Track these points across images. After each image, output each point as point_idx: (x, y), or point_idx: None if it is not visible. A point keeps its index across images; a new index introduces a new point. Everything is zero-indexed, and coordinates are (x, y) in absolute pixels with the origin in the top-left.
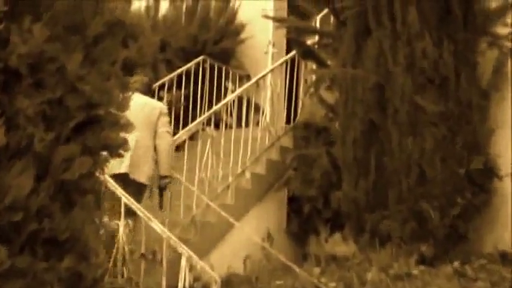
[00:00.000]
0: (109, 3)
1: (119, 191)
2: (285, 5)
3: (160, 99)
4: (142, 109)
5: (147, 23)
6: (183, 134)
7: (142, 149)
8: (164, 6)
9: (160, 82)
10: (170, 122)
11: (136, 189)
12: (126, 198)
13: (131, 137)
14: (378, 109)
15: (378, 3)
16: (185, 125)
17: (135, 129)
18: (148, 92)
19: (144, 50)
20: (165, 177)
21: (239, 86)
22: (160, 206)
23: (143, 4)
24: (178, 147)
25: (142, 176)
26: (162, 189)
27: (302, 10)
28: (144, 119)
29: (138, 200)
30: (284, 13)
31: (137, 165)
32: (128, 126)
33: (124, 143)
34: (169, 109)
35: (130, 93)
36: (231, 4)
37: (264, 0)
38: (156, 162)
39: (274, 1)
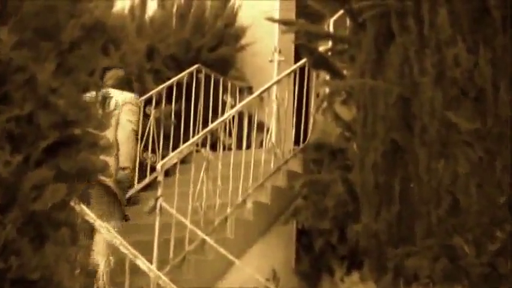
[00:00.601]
0: (87, 4)
1: (98, 222)
2: (293, 5)
3: (146, 115)
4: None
5: (132, 26)
6: (173, 156)
7: None
8: (152, 7)
9: (147, 96)
10: (138, 112)
11: (98, 192)
12: (106, 230)
13: None
14: (402, 127)
15: (403, 3)
16: (176, 145)
17: None
18: (126, 85)
19: (128, 58)
20: (124, 168)
21: (239, 100)
22: (119, 204)
23: (127, 4)
24: (168, 172)
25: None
26: (121, 184)
27: (313, 11)
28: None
29: (101, 203)
30: (292, 15)
31: None
32: (109, 148)
33: (105, 168)
34: (158, 127)
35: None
36: (230, 4)
37: (269, 0)
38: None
39: (281, 1)
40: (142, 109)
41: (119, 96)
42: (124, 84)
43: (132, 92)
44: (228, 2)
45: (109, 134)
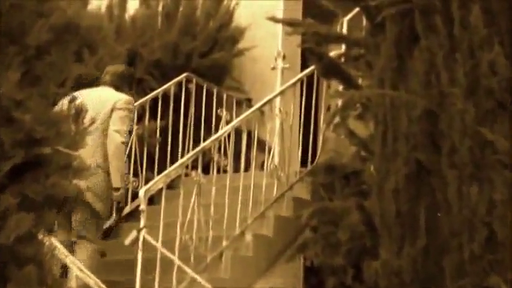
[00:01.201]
0: (57, 1)
1: (70, 259)
2: (299, 3)
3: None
4: (90, 102)
5: (110, 27)
6: (159, 180)
7: (82, 155)
8: (133, 5)
9: None
10: (130, 118)
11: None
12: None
13: None
14: (428, 146)
15: None
16: (162, 168)
17: None
18: (124, 83)
19: (106, 65)
20: (117, 189)
21: (236, 115)
22: (110, 230)
23: (104, 1)
24: (152, 199)
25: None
26: (116, 207)
27: (323, 10)
28: (88, 117)
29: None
30: (298, 14)
31: None
32: (82, 171)
33: (79, 195)
34: (141, 146)
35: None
36: (225, 2)
37: None
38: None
39: None
40: (135, 113)
41: (107, 98)
42: (123, 82)
43: (131, 92)
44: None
45: (91, 142)
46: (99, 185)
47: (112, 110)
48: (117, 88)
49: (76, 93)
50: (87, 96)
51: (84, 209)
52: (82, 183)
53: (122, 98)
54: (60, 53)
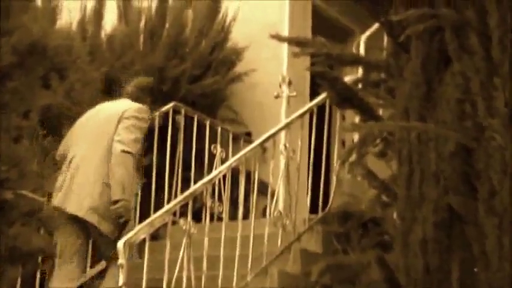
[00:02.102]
0: (20, 18)
1: None
2: (308, 18)
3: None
4: (97, 116)
5: (83, 48)
6: (141, 229)
7: (85, 173)
8: (110, 21)
9: None
10: (137, 127)
11: (80, 229)
12: None
13: (74, 156)
14: (462, 188)
15: (462, 14)
16: (145, 215)
17: (78, 146)
18: (146, 97)
19: (78, 92)
20: (115, 202)
21: (233, 152)
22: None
23: (76, 19)
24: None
25: (79, 207)
26: (117, 221)
27: (336, 27)
28: (94, 130)
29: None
30: (307, 32)
31: (74, 193)
32: (52, 219)
33: (50, 249)
34: None
35: None
36: (219, 18)
37: (274, 9)
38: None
39: (291, 13)
40: (146, 122)
41: (116, 110)
42: (145, 95)
43: (152, 106)
44: (217, 15)
45: (90, 156)
46: (104, 205)
47: (119, 122)
48: (137, 100)
49: (98, 107)
50: (101, 110)
51: (95, 233)
52: (89, 203)
53: (131, 106)
54: (25, 79)
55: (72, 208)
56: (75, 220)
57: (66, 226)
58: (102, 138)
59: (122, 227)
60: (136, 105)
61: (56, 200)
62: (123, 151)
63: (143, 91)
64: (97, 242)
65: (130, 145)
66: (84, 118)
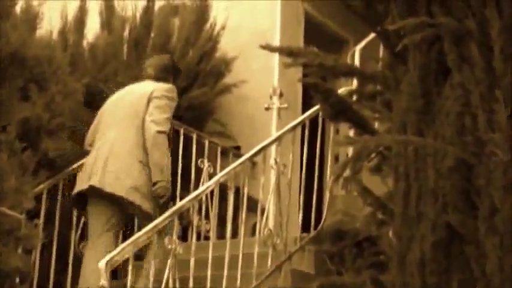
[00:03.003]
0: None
1: None
2: (300, 27)
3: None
4: (125, 98)
5: (64, 57)
6: (124, 249)
7: (120, 153)
8: (92, 29)
9: (83, 161)
10: (170, 107)
11: (121, 208)
12: None
13: (105, 140)
14: (462, 206)
15: (462, 22)
16: (128, 234)
17: (109, 129)
18: (169, 76)
19: (59, 104)
20: (155, 183)
21: (221, 167)
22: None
23: (56, 27)
24: (116, 272)
25: (119, 187)
26: (157, 202)
27: (330, 36)
28: (126, 112)
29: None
30: (299, 41)
31: (113, 175)
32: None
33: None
34: None
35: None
36: (207, 26)
37: (265, 17)
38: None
39: (283, 22)
40: (175, 101)
41: (145, 90)
42: (168, 75)
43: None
44: (204, 23)
45: (124, 137)
46: (145, 184)
47: (148, 102)
48: (159, 81)
49: (119, 92)
50: (127, 92)
51: (135, 208)
52: (129, 183)
53: (159, 87)
54: (3, 90)
55: (111, 188)
56: (110, 200)
57: (99, 206)
58: (133, 119)
59: (163, 207)
60: (164, 85)
61: (92, 181)
62: (159, 131)
63: (163, 71)
64: (138, 222)
65: (164, 124)
66: (109, 104)
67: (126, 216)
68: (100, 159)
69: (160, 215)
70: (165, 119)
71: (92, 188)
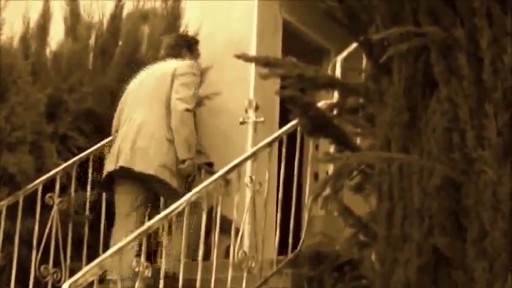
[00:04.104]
0: None
1: None
2: (278, 36)
3: (45, 207)
4: (148, 78)
5: (26, 66)
6: (89, 271)
7: (148, 132)
8: (56, 36)
9: (47, 176)
10: (194, 83)
11: (148, 186)
12: None
13: (131, 122)
14: (449, 228)
15: (450, 31)
16: (93, 255)
17: (136, 109)
18: (183, 50)
19: (19, 116)
20: (183, 161)
21: (193, 184)
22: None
23: (18, 32)
24: None
25: (148, 165)
26: (185, 180)
27: (310, 46)
28: (151, 92)
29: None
30: (277, 51)
31: (142, 154)
32: None
33: None
34: (65, 225)
35: None
36: (179, 32)
37: (240, 25)
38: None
39: (259, 30)
40: (199, 76)
41: (168, 67)
42: (181, 50)
43: (194, 56)
44: (176, 31)
45: (151, 117)
46: (173, 161)
47: (173, 79)
48: (177, 58)
49: (139, 75)
50: (148, 74)
51: (163, 186)
52: (158, 161)
53: (182, 64)
54: None
55: (140, 167)
56: (138, 180)
57: (126, 186)
58: (158, 97)
59: (189, 185)
60: (187, 62)
61: (121, 161)
62: (186, 109)
63: (174, 47)
64: (166, 199)
65: (191, 102)
66: (133, 86)
67: (151, 195)
68: (128, 140)
69: (188, 190)
70: (191, 96)
71: (121, 169)
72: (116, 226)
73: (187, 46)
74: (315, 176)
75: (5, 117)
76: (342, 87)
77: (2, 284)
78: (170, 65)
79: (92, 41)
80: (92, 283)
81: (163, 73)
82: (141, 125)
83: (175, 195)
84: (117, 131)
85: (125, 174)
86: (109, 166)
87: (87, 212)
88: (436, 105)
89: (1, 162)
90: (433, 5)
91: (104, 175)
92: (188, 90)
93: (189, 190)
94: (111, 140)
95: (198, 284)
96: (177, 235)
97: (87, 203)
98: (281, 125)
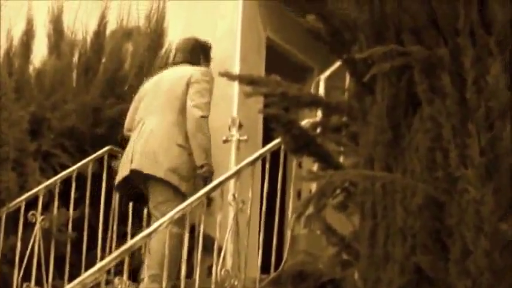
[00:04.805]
0: None
1: None
2: (261, 54)
3: (28, 224)
4: (163, 83)
5: (9, 83)
6: None
7: (158, 138)
8: (40, 53)
9: (29, 194)
10: (209, 90)
11: (156, 188)
12: None
13: (144, 126)
14: (432, 247)
15: (433, 52)
16: (76, 273)
17: (148, 113)
18: (199, 57)
19: (3, 133)
20: (202, 166)
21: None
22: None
23: (1, 50)
24: None
25: (157, 169)
26: (199, 184)
27: (293, 64)
28: (165, 96)
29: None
30: (260, 69)
31: (151, 157)
32: None
33: None
34: (47, 243)
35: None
36: (163, 51)
37: (224, 43)
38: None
39: (242, 47)
40: (213, 84)
41: (182, 74)
42: (197, 56)
43: (207, 64)
44: (159, 49)
45: (163, 122)
46: (183, 166)
47: (188, 85)
48: (193, 63)
49: (155, 77)
50: (164, 77)
51: (167, 189)
52: (167, 165)
53: (196, 71)
54: None
55: (150, 170)
56: (149, 183)
57: (147, 188)
58: (172, 103)
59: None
60: (201, 69)
61: (134, 164)
62: (202, 116)
63: (192, 52)
64: (167, 202)
65: (206, 109)
66: (147, 90)
67: None
68: (139, 144)
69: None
70: (206, 103)
71: (135, 172)
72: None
73: (203, 52)
74: (298, 195)
75: None
76: (325, 106)
77: None
78: (185, 71)
79: (75, 58)
80: None
81: (177, 79)
82: (153, 130)
83: (176, 199)
84: (129, 130)
85: (140, 177)
86: (123, 171)
87: (69, 230)
88: (419, 124)
89: None
90: (416, 24)
91: (119, 178)
92: (202, 98)
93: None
94: (98, 154)
95: None
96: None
97: (70, 221)
98: (264, 143)
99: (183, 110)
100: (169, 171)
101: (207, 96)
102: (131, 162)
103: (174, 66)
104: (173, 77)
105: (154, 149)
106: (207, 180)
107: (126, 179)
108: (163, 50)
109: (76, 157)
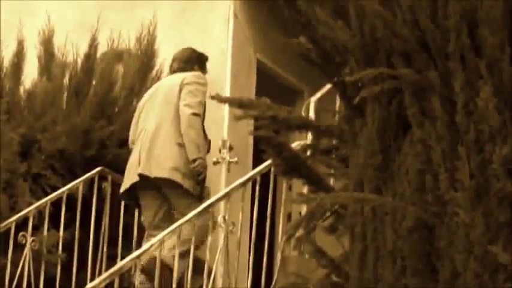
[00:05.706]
0: None
1: None
2: (252, 76)
3: (18, 245)
4: (159, 91)
5: (0, 105)
6: None
7: (160, 139)
8: (30, 74)
9: (20, 215)
10: (201, 91)
11: (169, 191)
12: None
13: (145, 133)
14: (422, 269)
15: (423, 74)
16: None
17: (149, 120)
18: (194, 66)
19: None
20: (194, 160)
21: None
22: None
23: None
24: None
25: (162, 170)
26: (196, 179)
27: (284, 86)
28: (161, 101)
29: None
30: (250, 92)
31: (156, 160)
32: None
33: None
34: (37, 265)
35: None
36: (153, 73)
37: (214, 66)
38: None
39: (233, 70)
40: (206, 86)
41: (176, 80)
42: (193, 65)
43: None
44: (150, 71)
45: (164, 123)
46: (183, 163)
47: (180, 89)
48: (187, 72)
49: (153, 88)
50: (160, 86)
51: (176, 190)
52: (168, 165)
53: (189, 74)
54: None
55: (155, 172)
56: (157, 187)
57: (148, 195)
58: (168, 107)
59: (201, 184)
60: (194, 72)
61: (139, 170)
62: (193, 114)
63: (187, 62)
64: (178, 200)
65: (197, 107)
66: (145, 99)
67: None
68: (143, 150)
69: (201, 192)
70: (198, 102)
71: (141, 179)
72: (146, 236)
73: (198, 62)
74: (288, 217)
75: None
76: (315, 128)
77: None
78: (179, 76)
79: (66, 80)
80: None
81: (172, 85)
82: (153, 133)
83: (187, 197)
84: (133, 143)
85: (145, 184)
86: (130, 179)
87: (59, 252)
88: (409, 147)
89: None
90: (407, 47)
91: (125, 187)
92: (194, 97)
93: (201, 195)
94: (88, 176)
95: None
96: None
97: (60, 243)
98: (255, 166)
99: (178, 112)
100: (172, 170)
101: (199, 96)
102: (137, 168)
103: (171, 75)
104: (168, 84)
105: (158, 151)
106: (200, 175)
107: (131, 188)
108: (154, 71)
109: (66, 178)
